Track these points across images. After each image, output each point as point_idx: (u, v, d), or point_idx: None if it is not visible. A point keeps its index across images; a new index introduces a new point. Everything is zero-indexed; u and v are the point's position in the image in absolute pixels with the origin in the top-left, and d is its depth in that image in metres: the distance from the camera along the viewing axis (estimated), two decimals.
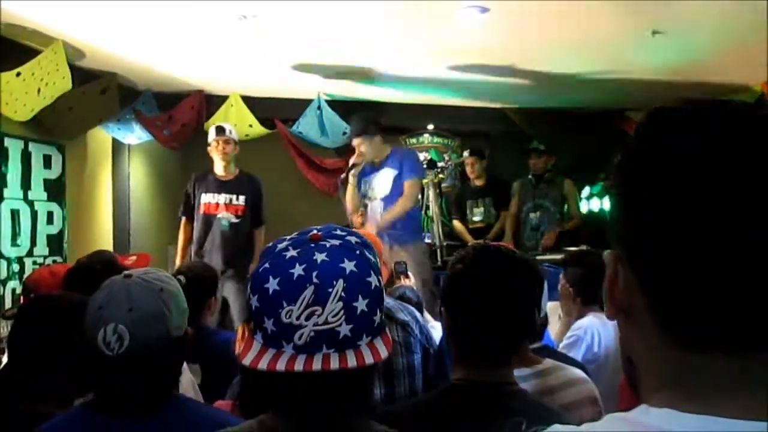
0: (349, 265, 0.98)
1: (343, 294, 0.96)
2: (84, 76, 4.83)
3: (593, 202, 6.56)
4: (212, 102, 5.91)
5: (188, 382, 1.90)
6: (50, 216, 4.82)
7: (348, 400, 1.02)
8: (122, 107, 5.27)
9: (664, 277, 0.58)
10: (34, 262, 4.60)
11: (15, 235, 4.49)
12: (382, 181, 4.68)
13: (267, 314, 0.97)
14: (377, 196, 4.70)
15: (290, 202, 5.92)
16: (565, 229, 5.64)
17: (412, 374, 2.19)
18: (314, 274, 0.96)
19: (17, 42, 4.34)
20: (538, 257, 4.81)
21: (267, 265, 0.99)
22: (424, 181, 5.57)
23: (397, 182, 4.63)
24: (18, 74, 4.09)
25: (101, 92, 4.87)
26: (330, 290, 0.96)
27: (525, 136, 6.29)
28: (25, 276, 4.46)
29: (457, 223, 6.20)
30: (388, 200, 4.63)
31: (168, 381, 1.40)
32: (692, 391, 0.58)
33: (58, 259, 4.75)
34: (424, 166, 5.48)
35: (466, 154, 6.34)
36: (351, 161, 4.74)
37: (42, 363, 1.66)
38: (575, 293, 2.91)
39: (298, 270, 0.96)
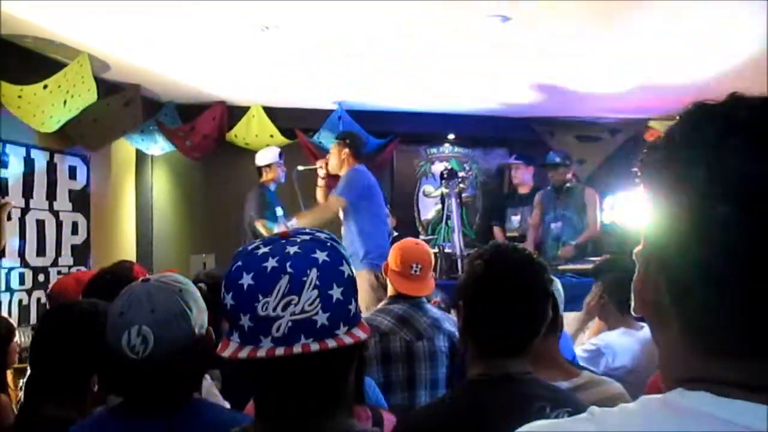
0: (321, 255, 1.00)
1: (317, 282, 0.97)
2: (108, 88, 4.91)
3: (615, 213, 6.44)
4: (234, 113, 5.97)
5: (209, 385, 1.90)
6: (75, 226, 4.88)
7: (327, 398, 1.00)
8: (145, 119, 5.34)
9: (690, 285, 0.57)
10: (59, 272, 4.66)
11: (40, 245, 4.56)
12: None
13: (243, 310, 0.97)
14: None
15: None
16: (578, 242, 5.39)
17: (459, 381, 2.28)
18: (288, 264, 0.97)
19: (44, 55, 4.43)
20: (560, 267, 4.76)
21: (239, 263, 1.00)
22: (444, 191, 5.52)
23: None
24: (45, 86, 4.16)
25: (125, 104, 4.93)
26: (304, 279, 0.97)
27: (546, 146, 6.24)
28: (50, 286, 4.53)
29: (497, 231, 6.01)
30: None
31: (190, 382, 1.40)
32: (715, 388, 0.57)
33: (83, 268, 4.80)
34: (444, 176, 5.45)
35: (512, 158, 6.13)
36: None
37: (65, 369, 1.68)
38: (611, 300, 2.74)
39: (271, 263, 0.98)
